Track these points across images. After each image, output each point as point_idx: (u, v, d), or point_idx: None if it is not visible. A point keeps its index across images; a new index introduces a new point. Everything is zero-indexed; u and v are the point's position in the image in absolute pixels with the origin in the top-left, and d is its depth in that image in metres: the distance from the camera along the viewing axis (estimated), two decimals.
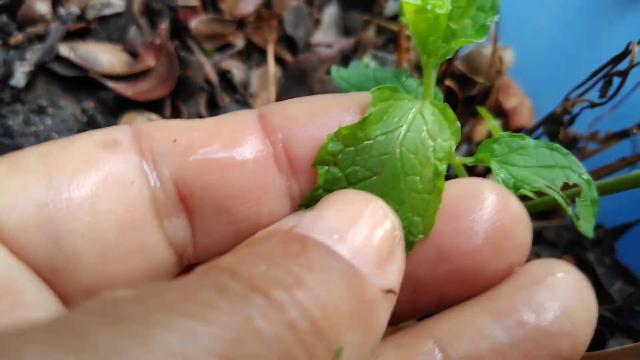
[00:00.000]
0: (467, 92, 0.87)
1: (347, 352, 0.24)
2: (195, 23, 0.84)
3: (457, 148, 0.81)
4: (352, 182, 0.33)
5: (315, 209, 0.30)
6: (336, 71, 0.44)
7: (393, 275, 0.29)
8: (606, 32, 0.91)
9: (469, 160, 0.41)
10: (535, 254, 0.72)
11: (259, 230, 0.32)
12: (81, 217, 0.30)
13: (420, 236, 0.33)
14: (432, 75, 0.36)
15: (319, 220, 0.28)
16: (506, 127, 0.89)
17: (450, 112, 0.34)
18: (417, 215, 0.33)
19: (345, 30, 0.95)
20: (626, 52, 0.56)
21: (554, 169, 0.40)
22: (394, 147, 0.33)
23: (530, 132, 0.73)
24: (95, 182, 0.31)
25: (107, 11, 0.82)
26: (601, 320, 0.67)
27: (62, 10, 0.80)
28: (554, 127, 0.58)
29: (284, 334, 0.22)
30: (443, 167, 0.33)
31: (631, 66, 0.50)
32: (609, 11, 0.91)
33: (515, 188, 0.37)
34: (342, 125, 0.33)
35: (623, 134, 0.71)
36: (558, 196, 0.38)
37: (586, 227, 0.40)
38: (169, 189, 0.33)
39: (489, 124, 0.62)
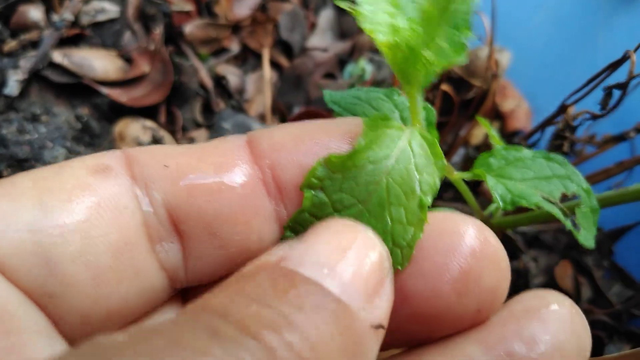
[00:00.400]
0: (464, 95, 0.87)
1: None
2: (190, 28, 0.83)
3: (454, 152, 0.81)
4: (338, 208, 0.33)
5: (303, 240, 0.29)
6: (328, 95, 0.44)
7: (382, 309, 0.28)
8: (603, 32, 0.91)
9: (467, 176, 0.41)
10: (533, 259, 0.72)
11: (248, 257, 0.32)
12: (75, 242, 0.30)
13: (398, 267, 0.33)
14: (417, 101, 0.36)
15: (307, 252, 0.28)
16: (503, 130, 0.89)
17: (438, 148, 0.34)
18: (398, 246, 0.33)
19: (342, 33, 0.95)
20: (624, 58, 0.55)
21: (552, 180, 0.40)
22: (380, 177, 0.33)
23: (528, 136, 0.73)
24: (89, 207, 0.31)
25: (101, 17, 0.82)
26: (599, 324, 0.67)
27: (55, 17, 0.79)
28: (558, 142, 0.58)
29: None
30: (428, 200, 0.33)
31: (630, 78, 0.49)
32: (605, 11, 0.91)
33: (512, 204, 0.37)
34: (328, 152, 0.33)
35: (620, 138, 0.71)
36: (556, 210, 0.38)
37: (586, 237, 0.39)
38: (161, 214, 0.33)
39: (488, 132, 0.61)
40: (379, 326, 0.28)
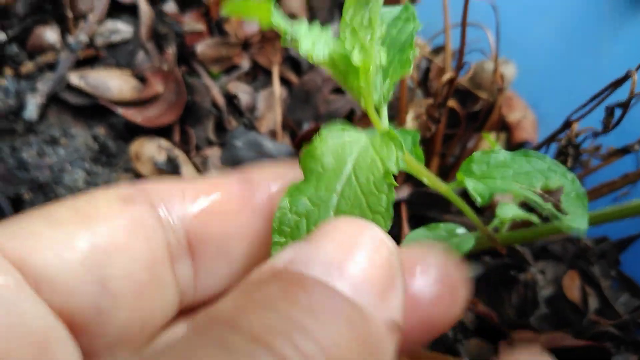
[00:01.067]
0: (471, 108, 0.88)
1: None
2: (202, 47, 0.85)
3: (460, 165, 0.82)
4: (317, 203, 0.37)
5: (310, 241, 0.30)
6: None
7: (395, 306, 0.28)
8: (608, 41, 0.92)
9: (453, 185, 0.43)
10: (540, 271, 0.74)
11: (254, 269, 0.35)
12: (120, 261, 0.33)
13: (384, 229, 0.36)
14: (377, 115, 0.39)
15: (315, 253, 0.28)
16: (510, 141, 0.90)
17: (392, 132, 0.38)
18: (378, 213, 0.37)
19: None
20: (626, 77, 0.56)
21: (532, 173, 0.41)
22: (347, 168, 0.38)
23: (535, 150, 0.74)
24: (126, 230, 0.35)
25: (115, 38, 0.84)
26: (606, 335, 0.68)
27: (70, 39, 0.82)
28: (561, 158, 0.60)
29: None
30: (393, 167, 0.37)
31: (631, 97, 0.51)
32: (611, 20, 0.92)
33: (490, 197, 0.39)
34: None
35: (625, 150, 0.72)
36: (531, 195, 0.39)
37: (575, 221, 0.38)
38: (179, 236, 0.37)
39: (492, 147, 0.63)
40: (394, 324, 0.27)
